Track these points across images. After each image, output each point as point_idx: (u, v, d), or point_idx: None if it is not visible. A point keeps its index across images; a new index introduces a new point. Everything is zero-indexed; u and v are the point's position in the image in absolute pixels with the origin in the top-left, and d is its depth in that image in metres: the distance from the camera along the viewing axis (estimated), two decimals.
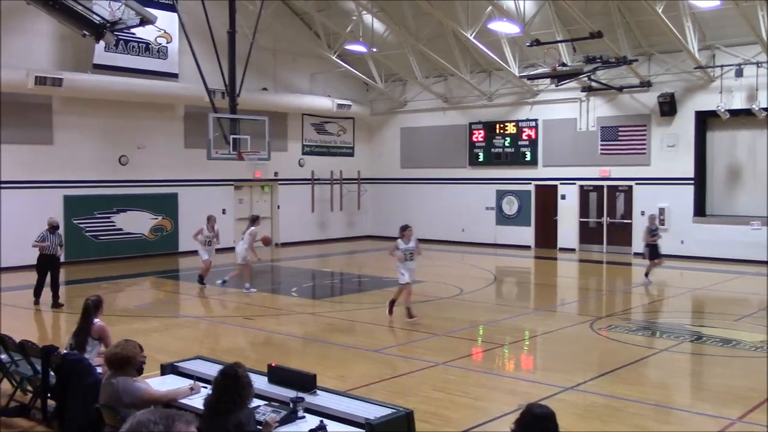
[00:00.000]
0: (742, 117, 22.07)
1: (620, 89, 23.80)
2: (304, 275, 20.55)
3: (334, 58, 26.79)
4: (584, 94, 24.80)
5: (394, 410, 5.62)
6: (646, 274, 18.64)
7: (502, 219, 27.22)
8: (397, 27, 24.42)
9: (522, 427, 4.12)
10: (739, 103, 22.01)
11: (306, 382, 6.01)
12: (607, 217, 25.17)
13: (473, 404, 8.67)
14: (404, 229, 13.65)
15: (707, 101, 22.61)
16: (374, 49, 25.96)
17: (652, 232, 18.80)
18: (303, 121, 28.38)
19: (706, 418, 8.14)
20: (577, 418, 8.17)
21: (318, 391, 6.00)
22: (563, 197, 25.92)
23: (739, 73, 21.55)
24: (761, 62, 21.14)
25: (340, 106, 28.26)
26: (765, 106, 21.38)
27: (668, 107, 23.18)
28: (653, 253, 18.60)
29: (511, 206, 27.09)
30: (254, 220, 17.43)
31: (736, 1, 18.98)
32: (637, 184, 24.31)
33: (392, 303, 13.68)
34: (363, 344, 11.84)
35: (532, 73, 23.62)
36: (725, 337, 12.19)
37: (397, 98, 29.46)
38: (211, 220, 17.60)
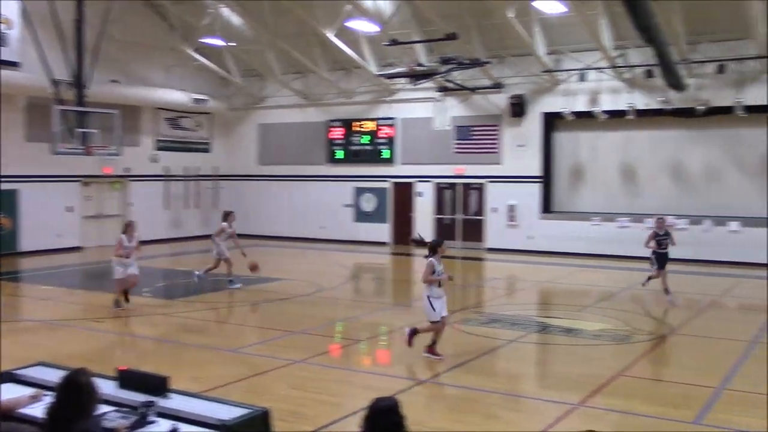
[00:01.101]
0: (585, 119, 23.43)
1: (473, 90, 24.61)
2: (156, 275, 19.89)
3: (190, 51, 26.08)
4: (440, 94, 25.45)
5: (250, 410, 5.54)
6: (666, 291, 15.41)
7: (361, 216, 27.50)
8: (255, 22, 24.09)
9: (368, 422, 4.17)
10: (582, 105, 23.34)
11: (158, 385, 5.81)
12: (462, 214, 25.98)
13: (330, 401, 8.70)
14: (438, 245, 10.66)
15: (553, 103, 23.84)
16: (232, 44, 25.49)
17: (659, 239, 15.69)
18: (157, 116, 27.43)
19: (551, 403, 8.57)
20: (432, 409, 8.39)
21: (171, 394, 5.81)
22: (420, 194, 26.51)
23: (581, 78, 22.87)
24: (602, 68, 22.51)
25: (196, 100, 27.54)
26: (605, 109, 22.79)
27: (518, 108, 24.23)
28: (662, 261, 15.55)
29: (369, 203, 27.41)
30: (226, 215, 17.21)
31: (580, 10, 20.06)
32: (489, 182, 25.24)
33: (414, 333, 10.65)
34: (219, 344, 11.60)
35: (389, 72, 23.98)
36: (568, 326, 12.90)
37: (256, 94, 29.08)
38: (130, 227, 14.64)
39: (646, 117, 22.42)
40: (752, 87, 20.89)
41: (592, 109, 22.90)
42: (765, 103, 20.30)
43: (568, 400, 8.58)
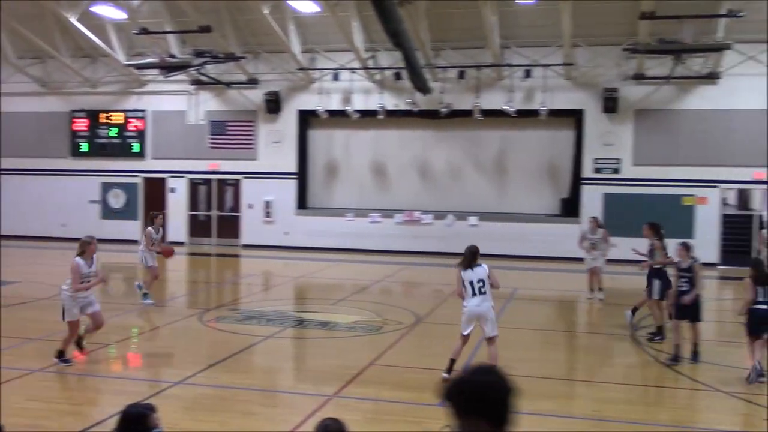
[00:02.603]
0: (338, 117, 24.04)
1: (228, 85, 24.26)
2: None
3: None
4: (193, 87, 24.80)
5: None
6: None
7: (108, 213, 26.00)
8: None
9: (120, 430, 3.94)
10: (336, 104, 23.93)
11: None
12: (217, 211, 25.52)
13: (75, 410, 8.10)
14: (474, 255, 9.48)
15: (308, 101, 24.20)
16: None
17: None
18: None
19: (307, 396, 8.68)
20: (186, 411, 8.12)
21: None
22: (173, 190, 25.64)
23: (335, 77, 23.43)
24: (354, 69, 23.23)
25: None
26: (358, 108, 23.55)
27: (274, 105, 24.29)
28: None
29: (117, 199, 26.00)
30: (153, 218, 15.14)
31: (333, 10, 20.52)
32: (245, 178, 25.04)
33: (452, 363, 9.26)
34: None
35: (139, 62, 22.93)
36: (323, 320, 13.16)
37: None
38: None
39: (395, 117, 23.49)
40: (488, 92, 22.70)
41: (346, 108, 23.57)
42: (499, 107, 22.16)
43: (324, 392, 8.74)
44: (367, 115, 23.61)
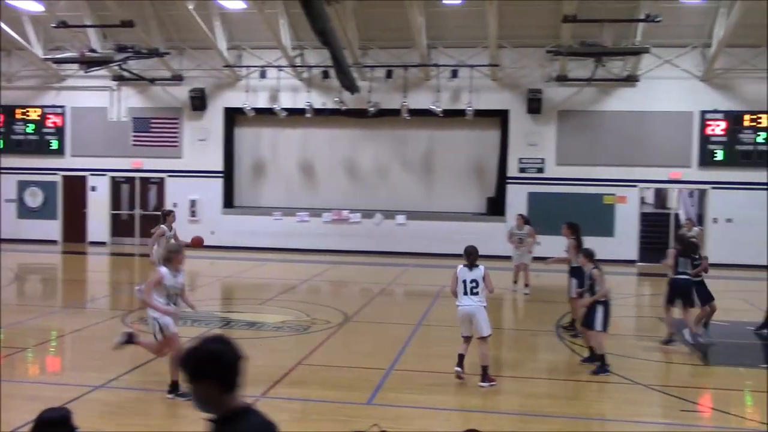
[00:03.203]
0: (266, 115, 23.81)
1: (152, 81, 23.75)
2: None
3: None
4: (115, 83, 24.17)
5: None
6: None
7: (25, 212, 25.11)
8: None
9: None
10: (263, 102, 23.69)
11: None
12: (140, 210, 24.95)
13: None
14: (470, 255, 9.21)
15: (234, 99, 23.88)
16: None
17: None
18: None
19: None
20: (109, 415, 7.90)
21: None
22: (93, 189, 24.94)
23: (262, 75, 23.20)
24: (282, 66, 23.04)
25: None
26: (285, 106, 23.36)
27: (199, 102, 23.90)
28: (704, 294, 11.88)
29: (35, 198, 25.12)
30: (165, 216, 14.41)
31: (260, 8, 20.31)
32: (169, 176, 24.56)
33: (461, 357, 9.23)
34: None
35: (58, 56, 22.21)
36: (251, 320, 13.02)
37: None
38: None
39: (323, 116, 23.41)
40: (416, 92, 22.86)
41: (273, 106, 23.36)
42: (426, 107, 22.33)
43: (252, 392, 8.62)
44: (295, 113, 23.46)
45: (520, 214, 17.60)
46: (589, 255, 10.42)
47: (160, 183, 24.75)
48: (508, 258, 17.43)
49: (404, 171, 24.44)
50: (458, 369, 9.18)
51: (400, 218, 23.45)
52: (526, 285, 16.33)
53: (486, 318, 9.24)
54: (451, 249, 22.36)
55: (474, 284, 9.14)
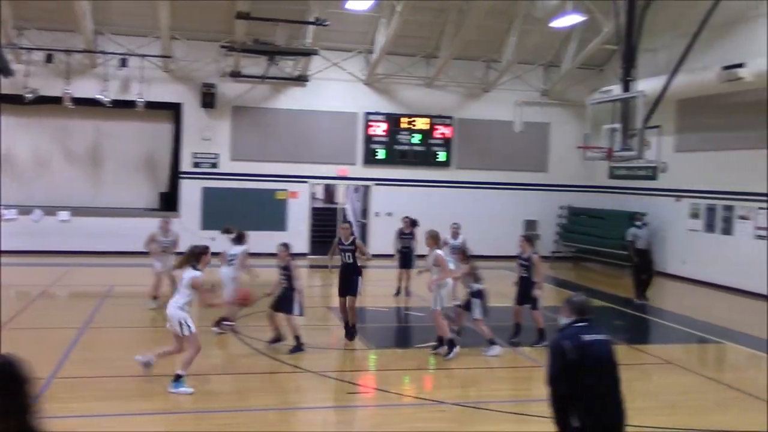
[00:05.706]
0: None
1: None
2: None
3: None
4: None
5: None
6: (406, 290, 16.32)
7: None
8: None
9: None
10: None
11: None
12: None
13: None
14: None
15: None
16: None
17: (404, 237, 16.61)
18: None
19: None
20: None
21: None
22: None
23: None
24: None
25: None
26: None
27: None
28: (405, 260, 15.01)
29: None
30: (240, 238, 13.00)
31: None
32: None
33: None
34: None
35: None
36: None
37: None
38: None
39: None
40: (81, 80, 21.37)
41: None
42: (93, 96, 20.97)
43: None
44: None
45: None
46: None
47: None
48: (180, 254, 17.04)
49: (68, 164, 22.73)
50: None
51: (63, 214, 21.76)
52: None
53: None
54: (120, 246, 21.40)
55: None
